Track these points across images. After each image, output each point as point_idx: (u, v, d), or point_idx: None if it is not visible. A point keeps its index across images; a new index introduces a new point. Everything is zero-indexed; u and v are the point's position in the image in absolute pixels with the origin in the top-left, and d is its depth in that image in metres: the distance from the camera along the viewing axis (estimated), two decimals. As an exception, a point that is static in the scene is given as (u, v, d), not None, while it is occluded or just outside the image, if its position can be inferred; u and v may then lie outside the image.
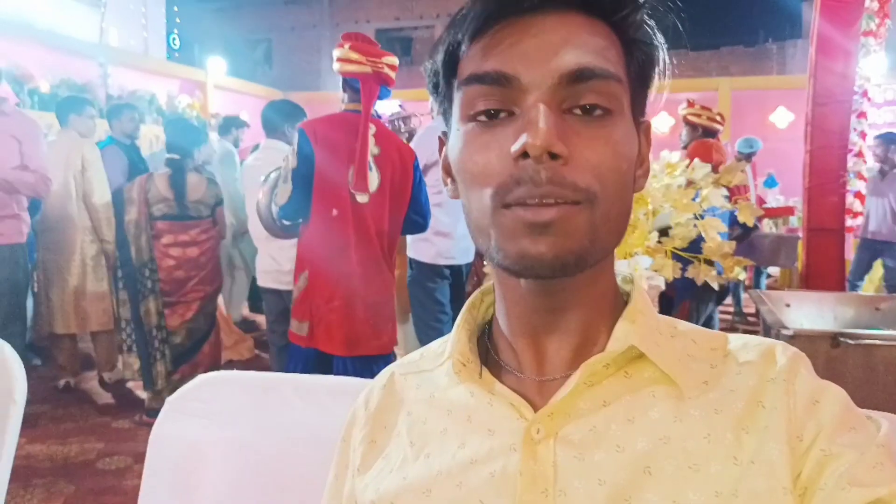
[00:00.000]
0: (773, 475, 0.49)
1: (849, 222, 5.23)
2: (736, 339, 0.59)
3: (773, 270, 7.67)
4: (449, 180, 0.61)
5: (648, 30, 0.56)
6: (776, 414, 0.51)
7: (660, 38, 0.57)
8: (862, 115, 5.12)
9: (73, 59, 8.35)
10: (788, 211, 7.12)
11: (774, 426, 0.50)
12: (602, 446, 0.53)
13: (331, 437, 0.78)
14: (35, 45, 7.79)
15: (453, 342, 0.62)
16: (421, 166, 3.11)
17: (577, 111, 0.52)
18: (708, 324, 3.47)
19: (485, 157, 0.52)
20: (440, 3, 15.14)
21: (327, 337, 2.46)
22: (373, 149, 2.51)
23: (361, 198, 2.44)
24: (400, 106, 4.55)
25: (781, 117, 11.26)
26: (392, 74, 2.51)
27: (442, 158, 0.62)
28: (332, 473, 0.69)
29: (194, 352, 3.54)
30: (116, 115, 4.35)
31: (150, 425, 0.97)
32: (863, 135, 5.21)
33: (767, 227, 7.03)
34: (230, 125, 5.63)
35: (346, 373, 2.51)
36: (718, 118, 3.90)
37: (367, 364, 2.52)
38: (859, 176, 5.21)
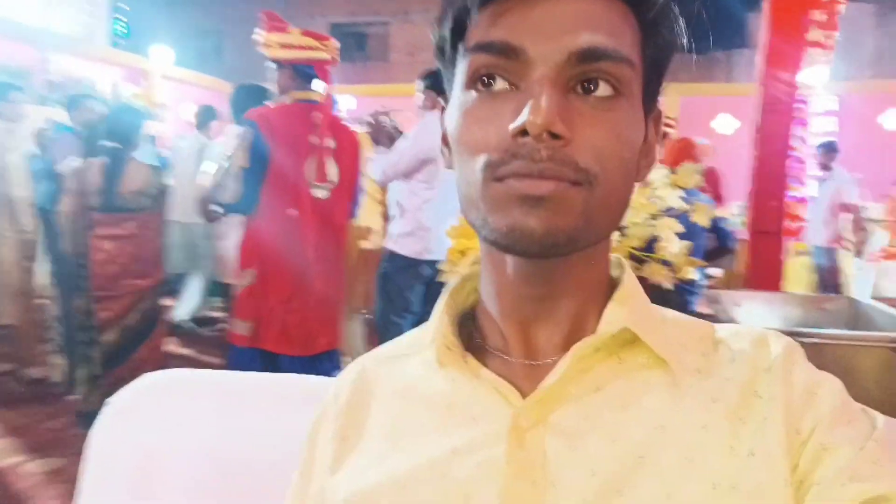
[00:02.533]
0: (772, 468, 0.48)
1: (790, 226, 5.41)
2: (724, 328, 0.58)
3: (714, 271, 7.88)
4: (446, 150, 0.58)
5: (670, 14, 0.54)
6: (774, 405, 0.50)
7: (681, 24, 0.54)
8: (804, 123, 5.29)
9: (11, 43, 7.96)
10: None
11: (773, 417, 0.49)
12: (595, 434, 0.51)
13: (297, 440, 0.73)
14: (-32, 27, 7.40)
15: (436, 325, 0.59)
16: (417, 161, 3.06)
17: (583, 91, 0.50)
18: None
19: (483, 129, 0.50)
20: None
21: (283, 337, 2.39)
22: (329, 142, 2.44)
23: (321, 192, 2.37)
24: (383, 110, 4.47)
25: (727, 123, 11.59)
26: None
27: (441, 128, 0.59)
28: (297, 472, 0.64)
29: (130, 352, 3.31)
30: (75, 105, 4.22)
31: (84, 428, 0.90)
32: (804, 141, 5.39)
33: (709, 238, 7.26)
34: (208, 118, 5.18)
35: (293, 370, 2.44)
36: (672, 122, 3.98)
37: (313, 360, 2.47)
38: (801, 181, 5.39)
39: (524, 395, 0.53)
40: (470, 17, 0.52)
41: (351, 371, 0.66)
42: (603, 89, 0.50)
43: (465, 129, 0.51)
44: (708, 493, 0.47)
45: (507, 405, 0.53)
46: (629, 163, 0.52)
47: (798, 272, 5.64)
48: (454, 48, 0.55)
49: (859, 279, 6.03)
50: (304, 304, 2.40)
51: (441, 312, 0.59)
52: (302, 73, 2.42)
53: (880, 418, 0.51)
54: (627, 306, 0.55)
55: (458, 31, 0.54)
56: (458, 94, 0.53)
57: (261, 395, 0.93)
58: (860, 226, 5.76)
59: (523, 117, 0.47)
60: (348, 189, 2.53)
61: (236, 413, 0.90)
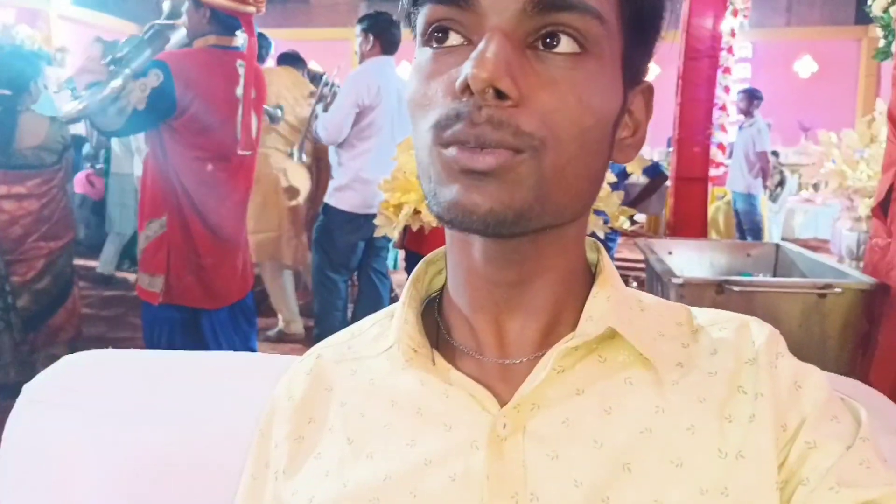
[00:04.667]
0: (762, 469, 0.45)
1: (711, 172, 5.60)
2: (703, 314, 0.54)
3: (638, 217, 8.14)
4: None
5: None
6: (762, 401, 0.47)
7: None
8: (726, 70, 5.42)
9: None
10: None
11: (760, 415, 0.47)
12: (578, 441, 0.47)
13: (238, 427, 0.67)
14: None
15: (399, 324, 0.52)
16: (353, 107, 2.94)
17: (542, 47, 0.44)
18: None
19: (431, 87, 0.45)
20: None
21: (200, 291, 2.28)
22: (253, 94, 2.31)
23: (247, 150, 2.25)
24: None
25: (650, 70, 11.79)
26: None
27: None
28: (248, 473, 0.58)
29: (44, 318, 3.10)
30: None
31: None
32: (727, 89, 5.54)
33: (634, 177, 7.46)
34: None
35: (215, 322, 2.37)
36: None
37: (233, 310, 2.43)
38: (722, 128, 5.56)
39: (500, 399, 0.49)
40: None
41: (305, 362, 0.59)
42: (565, 44, 0.44)
43: (416, 88, 0.47)
44: (697, 499, 0.45)
45: (483, 412, 0.49)
46: (592, 131, 0.45)
47: (715, 216, 5.87)
48: (415, 5, 0.49)
49: (772, 222, 6.34)
50: (219, 257, 2.31)
51: (404, 306, 0.53)
52: (222, 20, 2.20)
53: (862, 411, 0.49)
54: (609, 300, 0.50)
55: None
56: (417, 53, 0.48)
57: (189, 374, 0.85)
58: (774, 171, 6.01)
59: (466, 69, 0.41)
60: (259, 134, 2.44)
61: (163, 395, 0.83)
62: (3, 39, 8.17)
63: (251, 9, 2.20)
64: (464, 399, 0.49)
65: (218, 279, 2.33)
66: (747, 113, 5.34)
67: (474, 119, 0.42)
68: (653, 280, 2.33)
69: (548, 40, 0.44)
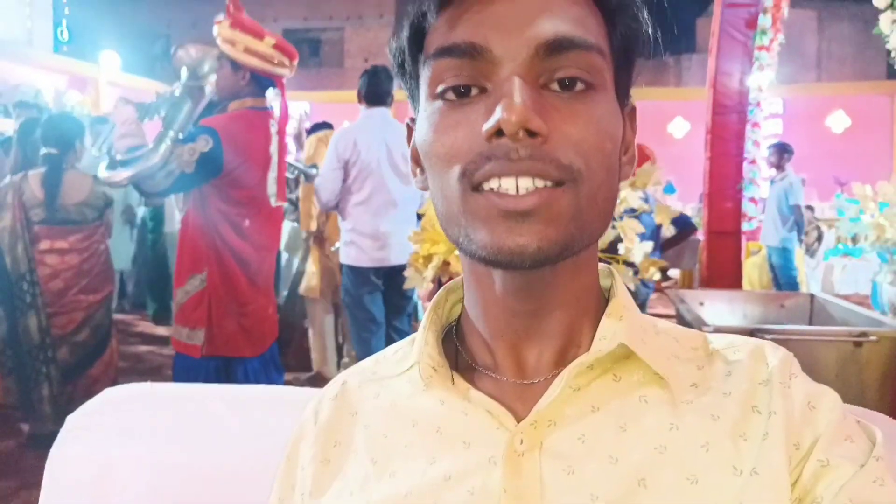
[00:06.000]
0: (776, 486, 0.46)
1: (744, 226, 5.56)
2: (719, 339, 0.56)
3: (672, 272, 8.06)
4: (418, 171, 0.55)
5: (632, 1, 0.51)
6: (775, 420, 0.48)
7: (644, 12, 0.52)
8: (756, 125, 5.44)
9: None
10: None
11: (773, 433, 0.47)
12: (594, 457, 0.48)
13: (269, 455, 0.69)
14: None
15: (420, 345, 0.55)
16: (339, 163, 3.01)
17: (556, 86, 0.47)
18: None
19: (453, 137, 0.47)
20: (350, 4, 14.96)
21: (240, 340, 2.34)
22: (279, 150, 2.43)
23: (275, 200, 2.36)
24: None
25: (679, 127, 11.84)
26: None
27: (410, 147, 0.55)
28: (276, 496, 0.60)
29: (82, 370, 3.15)
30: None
31: (35, 450, 0.84)
32: (756, 143, 5.55)
33: (667, 231, 7.42)
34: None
35: (249, 371, 2.42)
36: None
37: (263, 355, 2.48)
38: (754, 182, 5.54)
39: (517, 417, 0.50)
40: (428, 22, 0.51)
41: (332, 388, 0.62)
42: (576, 82, 0.47)
43: (434, 140, 0.48)
44: None
45: (500, 429, 0.50)
46: (612, 156, 0.49)
47: (750, 271, 5.79)
48: (414, 60, 0.52)
49: (811, 277, 6.23)
50: (258, 302, 2.40)
51: (425, 329, 0.56)
52: (259, 81, 2.35)
53: (878, 432, 0.49)
54: (623, 320, 0.52)
55: (417, 41, 0.51)
56: (424, 105, 0.51)
57: (222, 407, 0.88)
58: (811, 226, 5.94)
59: (497, 116, 0.44)
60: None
61: (198, 427, 0.86)
62: (55, 105, 8.62)
63: (285, 71, 2.34)
64: (482, 417, 0.51)
65: (257, 324, 2.40)
66: (778, 167, 5.33)
67: (512, 156, 0.44)
68: (684, 330, 2.31)
69: (566, 83, 0.47)
